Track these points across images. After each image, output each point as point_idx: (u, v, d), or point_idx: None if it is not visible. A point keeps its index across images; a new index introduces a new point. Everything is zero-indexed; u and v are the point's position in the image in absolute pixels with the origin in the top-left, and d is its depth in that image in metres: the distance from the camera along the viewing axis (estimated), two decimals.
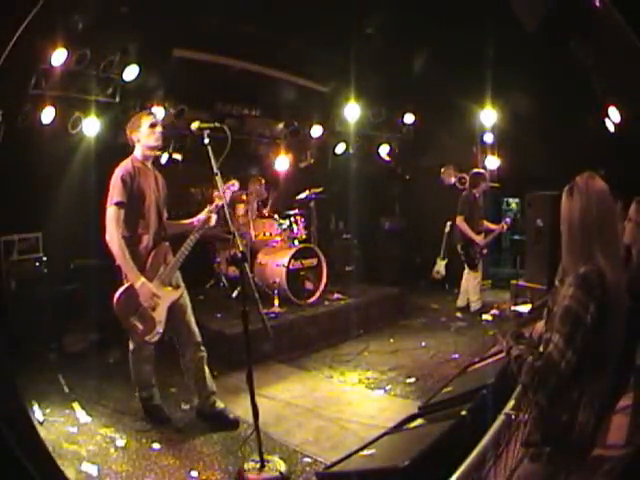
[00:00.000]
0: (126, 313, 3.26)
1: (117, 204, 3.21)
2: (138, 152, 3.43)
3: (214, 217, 3.47)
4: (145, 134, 3.37)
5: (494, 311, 6.39)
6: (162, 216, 3.46)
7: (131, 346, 3.56)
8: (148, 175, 3.41)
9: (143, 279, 3.24)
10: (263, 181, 6.80)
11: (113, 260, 3.29)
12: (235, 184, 3.44)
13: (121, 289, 3.27)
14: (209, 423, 3.58)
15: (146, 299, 3.25)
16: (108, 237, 3.21)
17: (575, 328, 1.68)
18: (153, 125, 3.39)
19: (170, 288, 3.41)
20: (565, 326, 1.70)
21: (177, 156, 5.75)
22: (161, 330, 3.34)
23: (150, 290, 3.25)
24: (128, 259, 3.20)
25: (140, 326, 3.29)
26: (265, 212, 6.68)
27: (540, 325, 1.96)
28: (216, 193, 3.49)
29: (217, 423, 3.56)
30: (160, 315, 3.33)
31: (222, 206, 3.26)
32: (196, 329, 3.54)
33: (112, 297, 3.26)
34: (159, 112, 5.62)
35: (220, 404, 3.61)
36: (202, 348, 3.56)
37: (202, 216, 3.48)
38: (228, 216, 3.20)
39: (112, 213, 3.21)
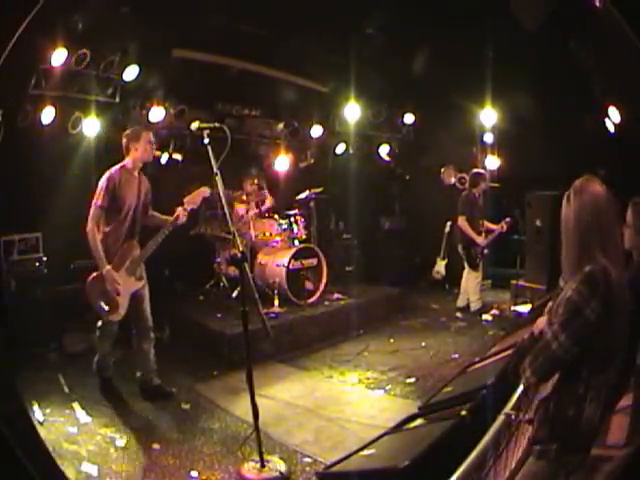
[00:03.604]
0: (94, 296, 3.76)
1: (98, 206, 3.70)
2: (129, 161, 3.86)
3: (183, 217, 3.86)
4: (142, 149, 3.83)
5: (494, 311, 6.38)
6: (138, 218, 3.89)
7: (99, 323, 3.98)
8: (132, 182, 3.85)
9: (108, 267, 3.71)
10: (258, 181, 6.78)
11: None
12: (207, 191, 3.89)
13: (92, 275, 3.77)
14: (147, 395, 4.06)
15: (110, 283, 3.71)
16: (87, 229, 3.68)
17: (572, 316, 1.74)
18: (150, 142, 3.86)
19: (134, 279, 3.87)
20: (563, 314, 1.76)
21: (177, 156, 5.77)
22: (123, 312, 3.83)
23: (113, 276, 3.72)
24: (99, 249, 3.69)
25: (106, 307, 3.78)
26: (265, 212, 6.67)
27: (541, 320, 1.98)
28: (186, 198, 3.87)
29: (154, 395, 4.05)
30: (123, 300, 3.81)
31: (192, 210, 3.87)
32: (150, 317, 4.01)
33: (84, 282, 3.79)
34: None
35: (157, 380, 4.09)
36: (152, 334, 4.04)
37: (175, 216, 3.86)
38: (228, 216, 3.23)
39: (93, 212, 3.70)
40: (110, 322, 3.90)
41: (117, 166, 3.82)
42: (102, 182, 3.73)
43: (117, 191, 3.75)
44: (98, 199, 3.70)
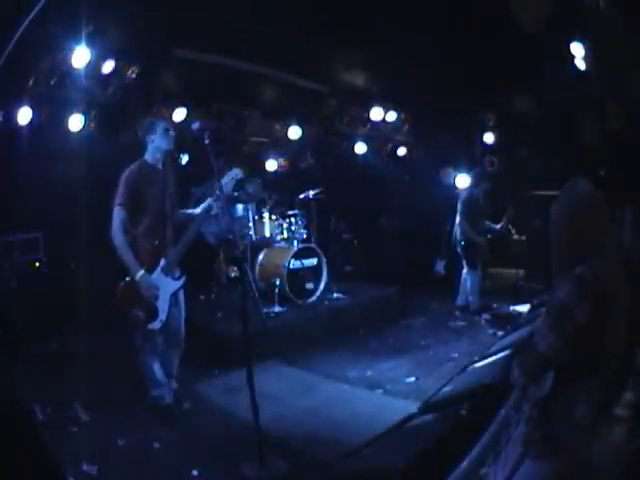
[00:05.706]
0: (128, 304, 3.39)
1: (119, 205, 3.41)
2: (149, 154, 3.62)
3: (214, 206, 3.61)
4: (160, 137, 3.57)
5: (494, 311, 6.40)
6: (167, 213, 3.60)
7: (137, 340, 3.61)
8: (155, 176, 3.58)
9: (142, 271, 3.38)
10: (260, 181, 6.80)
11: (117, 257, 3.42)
12: (239, 173, 3.64)
13: (123, 282, 3.41)
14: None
15: (145, 290, 3.38)
16: (112, 233, 3.39)
17: (561, 317, 1.73)
18: (167, 129, 3.60)
19: (171, 279, 3.57)
20: (553, 316, 1.76)
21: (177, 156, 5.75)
22: (164, 318, 3.49)
23: (149, 281, 3.40)
24: (128, 253, 3.36)
25: (142, 315, 3.41)
26: (265, 212, 6.67)
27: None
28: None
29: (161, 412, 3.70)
30: (163, 304, 3.49)
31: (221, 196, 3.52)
32: (183, 325, 3.75)
33: (115, 290, 3.41)
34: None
35: (170, 398, 3.76)
36: (182, 342, 3.78)
37: (204, 205, 3.64)
38: (228, 216, 3.24)
39: (115, 212, 3.41)
40: (151, 333, 3.53)
41: (137, 161, 3.59)
42: (121, 179, 3.47)
43: (139, 187, 3.47)
44: (118, 197, 3.43)
